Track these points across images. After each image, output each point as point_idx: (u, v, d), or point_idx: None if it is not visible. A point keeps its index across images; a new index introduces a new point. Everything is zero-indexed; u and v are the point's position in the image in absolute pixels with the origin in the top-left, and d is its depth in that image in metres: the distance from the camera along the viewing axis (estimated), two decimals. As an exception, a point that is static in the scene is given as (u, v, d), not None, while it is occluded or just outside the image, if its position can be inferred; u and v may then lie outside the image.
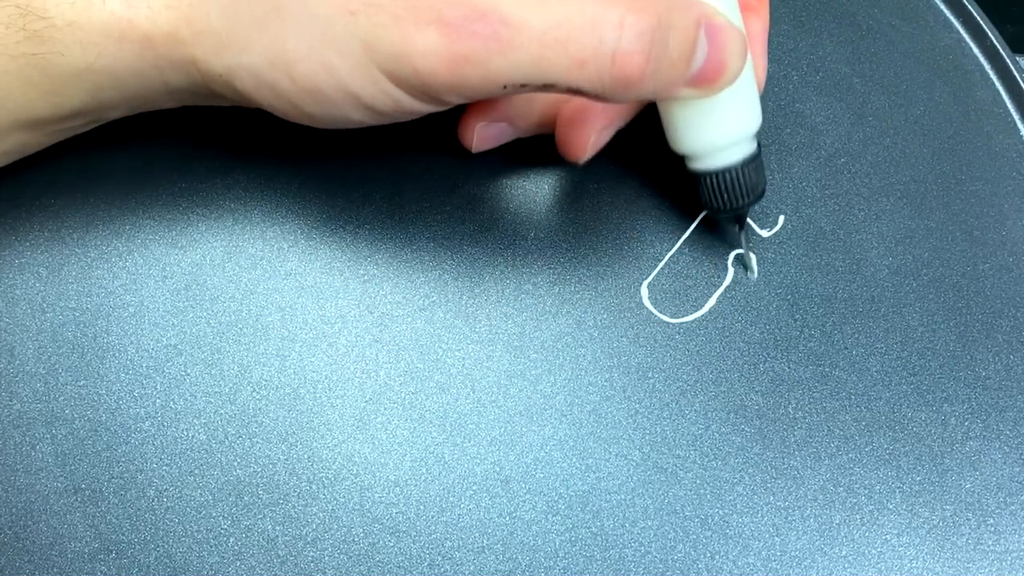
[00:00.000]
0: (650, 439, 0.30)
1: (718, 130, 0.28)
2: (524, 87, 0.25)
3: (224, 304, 0.30)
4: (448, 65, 0.24)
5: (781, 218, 0.33)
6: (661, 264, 0.32)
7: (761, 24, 0.30)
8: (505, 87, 0.25)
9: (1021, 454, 0.31)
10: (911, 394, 0.31)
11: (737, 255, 0.32)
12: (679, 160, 0.30)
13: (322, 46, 0.25)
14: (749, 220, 0.33)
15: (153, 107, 0.29)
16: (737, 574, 0.29)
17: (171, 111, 0.30)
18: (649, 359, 0.31)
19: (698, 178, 0.29)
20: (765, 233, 0.33)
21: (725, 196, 0.29)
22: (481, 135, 0.31)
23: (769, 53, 0.35)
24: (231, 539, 0.28)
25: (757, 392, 0.31)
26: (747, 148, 0.29)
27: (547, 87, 0.25)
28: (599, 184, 0.33)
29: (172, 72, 0.27)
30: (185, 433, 0.29)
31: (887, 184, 0.34)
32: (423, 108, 0.26)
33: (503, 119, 0.30)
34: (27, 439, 0.29)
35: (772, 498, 0.30)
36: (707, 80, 0.26)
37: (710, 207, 0.30)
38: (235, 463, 0.29)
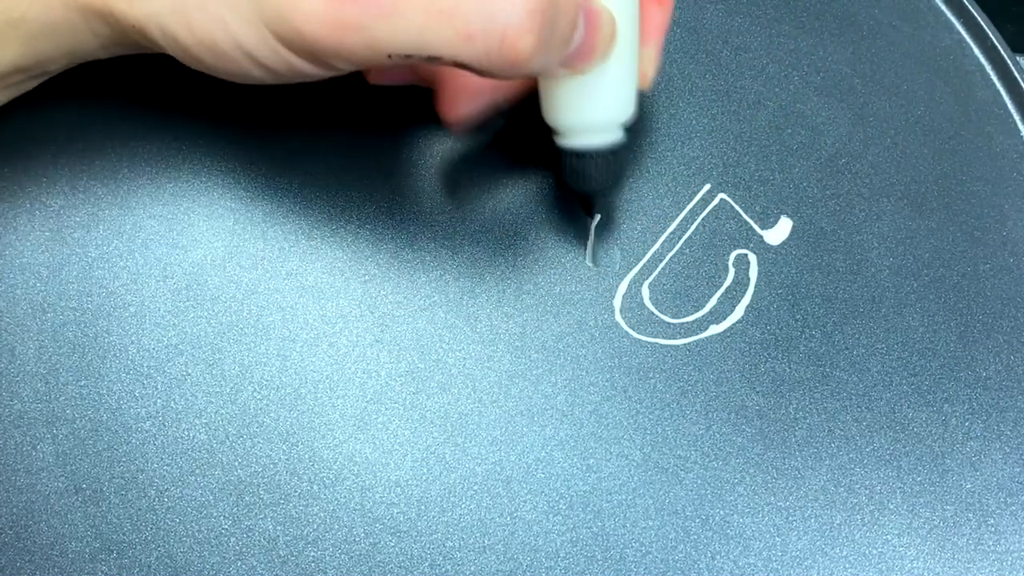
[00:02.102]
0: (651, 439, 0.30)
1: (585, 112, 0.28)
2: (409, 58, 0.25)
3: (224, 304, 0.30)
4: (330, 30, 0.24)
5: (788, 225, 0.33)
6: (662, 264, 0.32)
7: (663, 17, 0.30)
8: (390, 56, 0.24)
9: (1021, 454, 0.31)
10: (911, 394, 0.31)
11: (738, 255, 0.32)
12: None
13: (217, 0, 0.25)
14: (753, 223, 0.33)
15: (91, 57, 0.29)
16: (737, 574, 0.29)
17: (179, 107, 0.30)
18: (650, 359, 0.31)
19: (558, 153, 0.30)
20: (773, 241, 0.33)
21: (580, 178, 0.29)
22: (379, 71, 0.30)
23: (770, 53, 0.35)
24: (232, 539, 0.28)
25: (758, 392, 0.31)
26: (610, 137, 0.29)
27: (431, 59, 0.25)
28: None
29: (96, 22, 0.27)
30: (186, 433, 0.29)
31: (888, 184, 0.34)
32: (316, 72, 0.26)
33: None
34: (28, 439, 0.29)
35: (773, 498, 0.30)
36: (579, 61, 0.26)
37: (566, 185, 0.30)
38: (236, 463, 0.29)
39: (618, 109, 0.28)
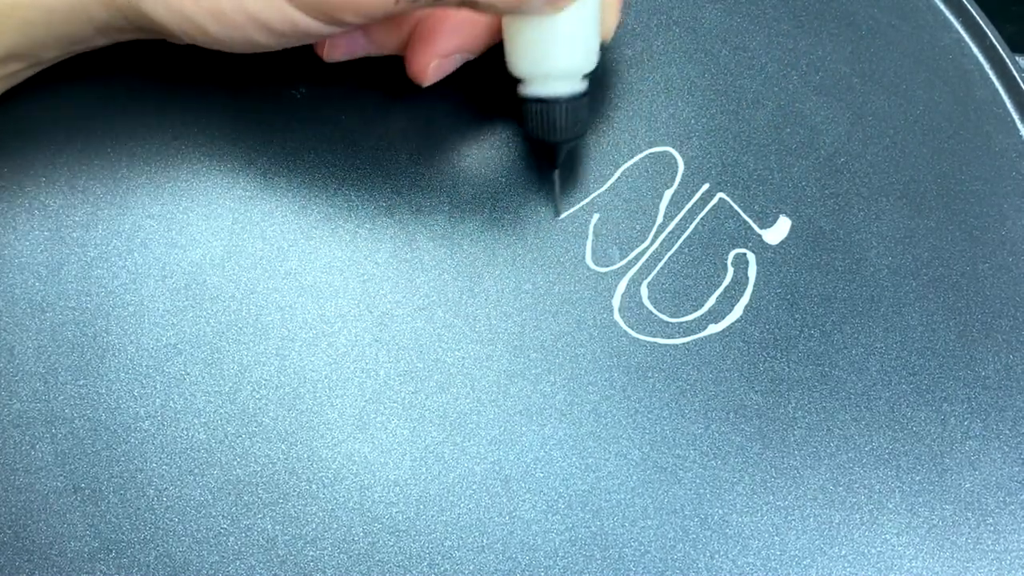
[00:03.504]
0: (650, 438, 0.30)
1: (546, 58, 0.29)
2: (416, 2, 0.25)
3: (223, 304, 0.30)
4: None
5: (787, 224, 0.33)
6: (660, 263, 0.32)
7: None
8: (397, 2, 0.25)
9: (1021, 454, 0.31)
10: (911, 394, 0.31)
11: (737, 254, 0.32)
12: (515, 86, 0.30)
13: None
14: (752, 222, 0.33)
15: (86, 45, 0.29)
16: (737, 574, 0.29)
17: (179, 107, 0.30)
18: (649, 359, 0.31)
19: (523, 103, 0.30)
20: (772, 241, 0.33)
21: (544, 127, 0.30)
22: (333, 43, 0.30)
23: (769, 53, 0.35)
24: (231, 538, 0.28)
25: (757, 392, 0.31)
26: (573, 86, 0.29)
27: (439, 1, 0.25)
28: (598, 184, 0.33)
29: (94, 6, 0.27)
30: (185, 433, 0.29)
31: (887, 184, 0.34)
32: (321, 28, 0.26)
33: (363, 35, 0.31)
34: (27, 439, 0.29)
35: (772, 498, 0.30)
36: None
37: (530, 135, 0.30)
38: (235, 463, 0.29)
39: (582, 58, 0.29)
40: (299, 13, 0.26)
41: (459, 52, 0.30)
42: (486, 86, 0.33)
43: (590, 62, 0.30)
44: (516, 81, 0.30)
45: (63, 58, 0.30)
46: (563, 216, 0.32)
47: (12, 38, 0.27)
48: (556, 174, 0.32)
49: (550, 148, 0.31)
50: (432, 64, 0.30)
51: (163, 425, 0.29)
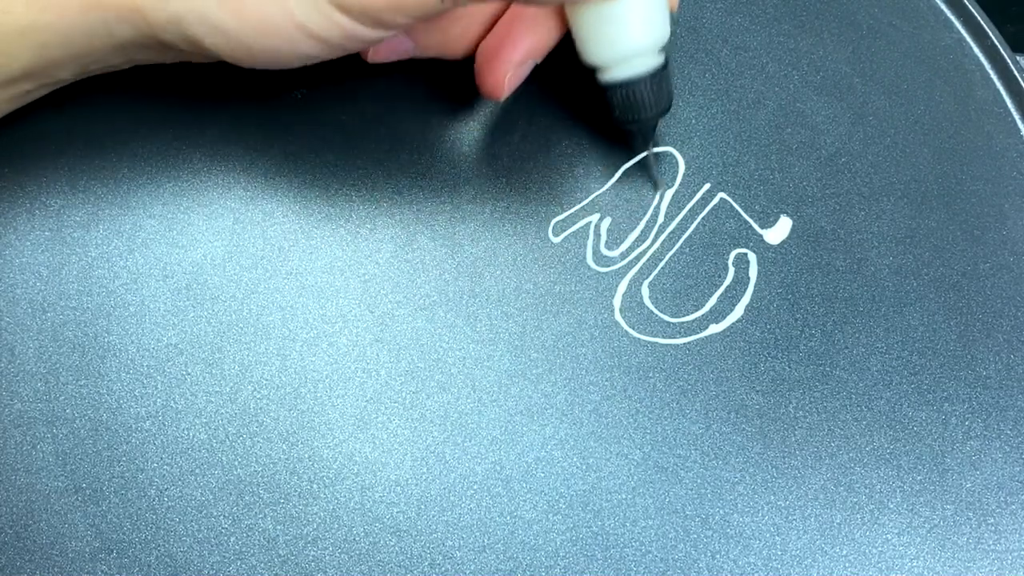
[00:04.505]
0: (650, 438, 0.30)
1: (623, 40, 0.29)
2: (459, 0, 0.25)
3: (224, 304, 0.30)
4: None
5: (788, 224, 0.33)
6: (661, 263, 0.32)
7: None
8: (442, 1, 0.25)
9: (1021, 454, 0.31)
10: (911, 394, 0.31)
11: (738, 254, 0.32)
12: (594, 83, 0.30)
13: None
14: (753, 222, 0.33)
15: (103, 65, 0.29)
16: (737, 574, 0.29)
17: (179, 107, 0.30)
18: (649, 359, 0.31)
19: (606, 90, 0.30)
20: (772, 241, 0.33)
21: (633, 108, 0.30)
22: (388, 46, 0.30)
23: (769, 53, 0.35)
24: (232, 539, 0.28)
25: (757, 392, 0.31)
26: (653, 61, 0.30)
27: None
28: (599, 184, 0.33)
29: (118, 24, 0.27)
30: (186, 433, 0.29)
31: (887, 184, 0.34)
32: (368, 33, 0.26)
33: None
34: (27, 439, 0.29)
35: (772, 498, 0.30)
36: None
37: (619, 120, 0.31)
38: (236, 462, 0.29)
39: (655, 32, 0.29)
40: (347, 18, 0.26)
41: (530, 57, 0.30)
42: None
43: (664, 35, 0.29)
44: (592, 71, 0.30)
45: (79, 78, 0.29)
46: (563, 216, 0.32)
47: (28, 59, 0.27)
48: (651, 152, 0.32)
49: (641, 128, 0.31)
50: (507, 75, 0.30)
51: (164, 425, 0.29)
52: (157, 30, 0.27)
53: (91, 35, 0.27)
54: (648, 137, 0.32)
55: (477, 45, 0.30)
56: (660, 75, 0.30)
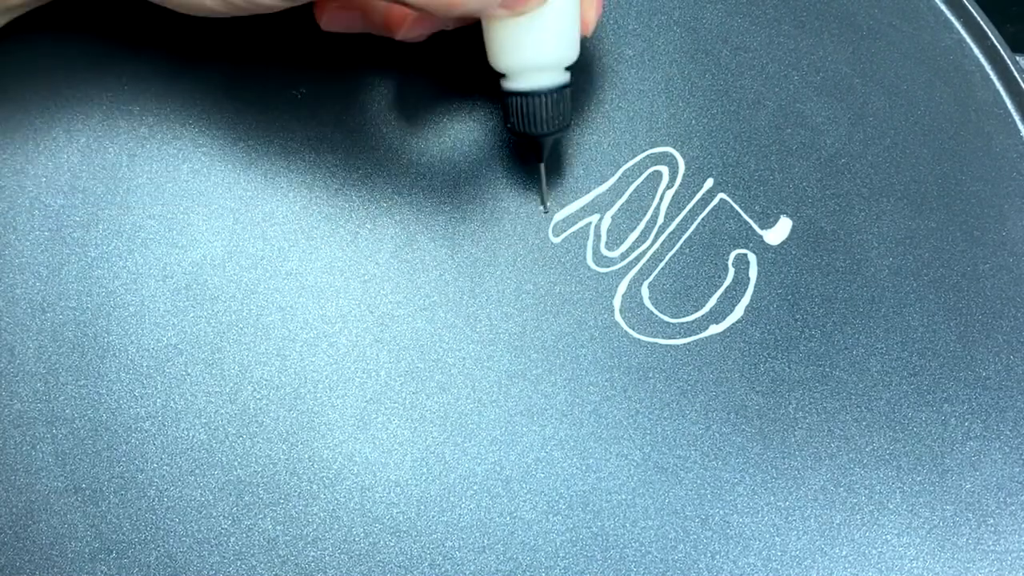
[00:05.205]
0: (650, 439, 0.30)
1: (527, 53, 0.29)
2: None
3: (224, 304, 0.30)
4: None
5: (788, 225, 0.33)
6: (661, 264, 0.32)
7: None
8: None
9: (1021, 454, 0.31)
10: (911, 394, 0.31)
11: (738, 255, 0.32)
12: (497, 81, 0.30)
13: None
14: (752, 223, 0.33)
15: None
16: (737, 574, 0.29)
17: (179, 107, 0.30)
18: (649, 359, 0.31)
19: (505, 98, 0.30)
20: (772, 241, 0.33)
21: (528, 120, 0.30)
22: (331, 15, 0.30)
23: (770, 53, 0.35)
24: (232, 539, 0.28)
25: (758, 392, 0.31)
26: (556, 78, 0.29)
27: None
28: (599, 184, 0.33)
29: None
30: (186, 433, 0.29)
31: (887, 184, 0.34)
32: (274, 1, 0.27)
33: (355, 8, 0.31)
34: (27, 439, 0.29)
35: (772, 498, 0.30)
36: (517, 2, 0.27)
37: (512, 130, 0.30)
38: (236, 463, 0.29)
39: (562, 50, 0.29)
40: None
41: (442, 24, 0.30)
42: (486, 86, 0.33)
43: (571, 55, 0.29)
44: (498, 76, 0.30)
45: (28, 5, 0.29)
46: (563, 216, 0.32)
47: None
48: (542, 168, 0.32)
49: (535, 142, 0.31)
50: (415, 33, 0.30)
51: (164, 425, 0.29)
52: None
53: None
54: (541, 153, 0.31)
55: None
56: (560, 93, 0.30)
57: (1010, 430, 0.31)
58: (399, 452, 0.29)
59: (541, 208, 0.32)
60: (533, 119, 0.30)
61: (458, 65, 0.33)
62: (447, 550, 0.29)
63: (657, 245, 0.32)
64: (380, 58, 0.32)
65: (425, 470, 0.29)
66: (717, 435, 0.30)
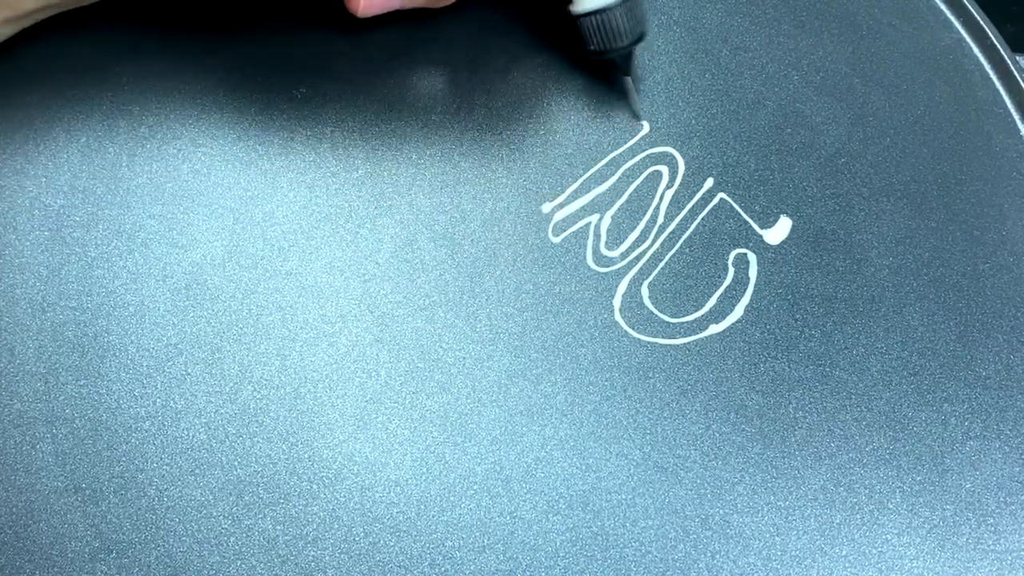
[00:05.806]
0: (650, 438, 0.30)
1: None
2: None
3: (225, 304, 0.30)
4: None
5: (788, 224, 0.33)
6: (661, 264, 0.32)
7: None
8: None
9: (1021, 454, 0.31)
10: (911, 394, 0.31)
11: (737, 254, 0.32)
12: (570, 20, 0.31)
13: None
14: (752, 222, 0.33)
15: None
16: (737, 574, 0.29)
17: (179, 107, 0.30)
18: (649, 359, 0.31)
19: (579, 21, 0.31)
20: (772, 241, 0.33)
21: (607, 36, 0.31)
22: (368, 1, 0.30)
23: (770, 53, 0.35)
24: (232, 539, 0.28)
25: (757, 392, 0.31)
26: None
27: None
28: (599, 184, 0.33)
29: None
30: (185, 433, 0.29)
31: (887, 184, 0.34)
32: None
33: None
34: (27, 439, 0.29)
35: (772, 498, 0.30)
36: None
37: (594, 52, 0.31)
38: (236, 462, 0.29)
39: None
40: None
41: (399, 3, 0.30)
42: (486, 86, 0.33)
43: None
44: (565, 3, 0.31)
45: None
46: (563, 216, 0.32)
47: None
48: (629, 81, 0.33)
49: (621, 54, 0.32)
50: (371, 8, 0.30)
51: (164, 425, 0.29)
52: None
53: None
54: (626, 66, 0.32)
55: None
56: (631, 2, 0.30)
57: (1010, 430, 0.31)
58: (399, 452, 0.29)
59: (637, 121, 0.33)
60: (614, 34, 0.30)
61: (458, 65, 0.33)
62: (447, 550, 0.29)
63: (657, 245, 0.32)
64: (380, 58, 0.33)
65: (425, 470, 0.29)
66: (717, 435, 0.30)
